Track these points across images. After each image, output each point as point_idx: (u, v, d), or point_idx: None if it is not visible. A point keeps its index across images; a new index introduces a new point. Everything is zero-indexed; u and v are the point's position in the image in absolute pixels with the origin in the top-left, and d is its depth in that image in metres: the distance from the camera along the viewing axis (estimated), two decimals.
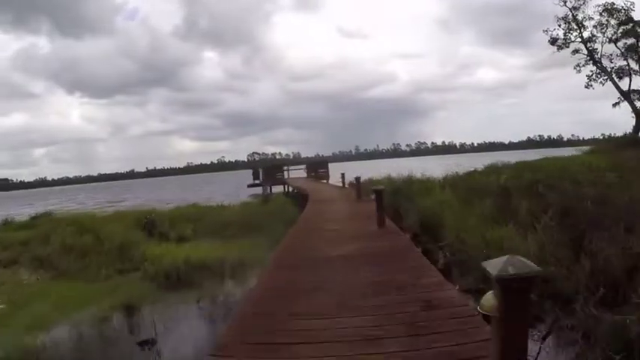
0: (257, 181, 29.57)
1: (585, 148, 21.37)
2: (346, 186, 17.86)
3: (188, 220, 13.14)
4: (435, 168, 22.23)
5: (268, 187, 28.02)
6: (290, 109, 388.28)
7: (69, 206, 29.91)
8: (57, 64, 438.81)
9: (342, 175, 18.44)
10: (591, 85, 24.66)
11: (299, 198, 17.89)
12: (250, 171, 32.69)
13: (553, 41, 25.12)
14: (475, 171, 18.72)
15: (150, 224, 11.30)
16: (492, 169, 18.15)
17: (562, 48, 24.95)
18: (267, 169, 30.39)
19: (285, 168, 31.25)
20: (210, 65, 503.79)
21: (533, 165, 17.03)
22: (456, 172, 18.59)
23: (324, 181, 27.93)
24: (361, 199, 11.67)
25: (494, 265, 1.70)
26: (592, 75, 24.60)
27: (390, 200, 13.37)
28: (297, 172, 32.02)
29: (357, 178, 12.88)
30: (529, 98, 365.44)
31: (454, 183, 13.51)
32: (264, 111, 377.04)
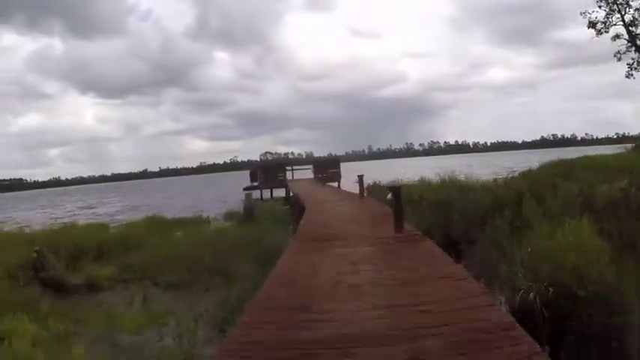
0: (255, 183, 24.93)
1: (629, 145, 20.12)
2: (365, 194, 12.46)
3: (124, 248, 8.72)
4: (460, 168, 17.84)
5: (268, 191, 23.47)
6: (302, 109, 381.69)
7: (26, 214, 25.92)
8: (70, 65, 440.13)
9: (360, 178, 12.56)
10: (632, 75, 22.61)
11: (297, 208, 13.24)
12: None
13: (592, 25, 22.82)
14: (531, 171, 14.35)
15: (39, 263, 6.80)
16: (553, 170, 13.74)
17: (601, 33, 22.82)
18: (266, 169, 25.43)
19: (289, 168, 26.39)
20: (222, 65, 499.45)
21: (592, 163, 14.00)
22: (511, 173, 14.10)
23: (335, 183, 22.94)
24: (403, 229, 6.00)
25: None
26: (633, 63, 22.38)
27: (433, 218, 8.62)
28: (305, 173, 27.06)
29: (397, 192, 6.16)
30: (540, 97, 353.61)
31: (530, 190, 8.62)
32: (276, 111, 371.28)
